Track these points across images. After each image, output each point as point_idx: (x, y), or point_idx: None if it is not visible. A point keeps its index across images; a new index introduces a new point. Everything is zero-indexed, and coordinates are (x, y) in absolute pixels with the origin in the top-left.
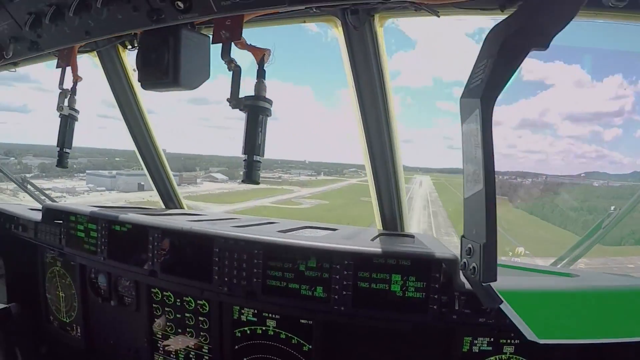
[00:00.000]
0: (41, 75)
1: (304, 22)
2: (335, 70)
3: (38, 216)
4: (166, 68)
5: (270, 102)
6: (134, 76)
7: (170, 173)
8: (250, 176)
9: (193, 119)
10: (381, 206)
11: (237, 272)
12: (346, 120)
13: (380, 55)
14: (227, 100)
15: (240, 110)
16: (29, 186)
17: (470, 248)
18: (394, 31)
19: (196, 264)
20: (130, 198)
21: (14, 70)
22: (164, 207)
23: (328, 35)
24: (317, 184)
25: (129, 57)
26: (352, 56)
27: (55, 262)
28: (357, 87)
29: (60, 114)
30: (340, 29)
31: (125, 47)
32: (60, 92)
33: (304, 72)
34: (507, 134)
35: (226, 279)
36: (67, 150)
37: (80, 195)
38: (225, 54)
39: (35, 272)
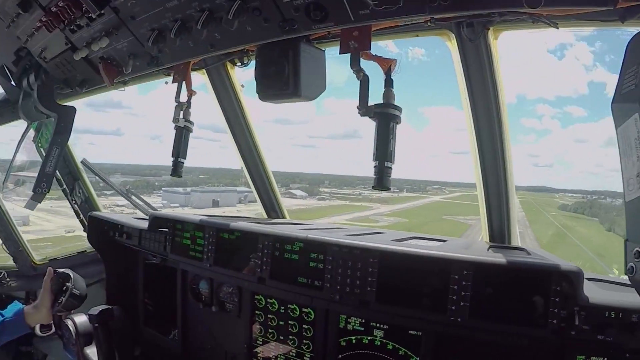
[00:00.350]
0: (133, 101)
1: (417, 35)
2: (418, 89)
3: (142, 224)
4: (287, 80)
5: (400, 109)
6: (241, 92)
7: (275, 184)
8: (382, 182)
9: (278, 138)
10: (490, 219)
11: (350, 280)
12: (431, 137)
13: (494, 69)
14: (357, 108)
15: (369, 117)
16: (133, 197)
17: (638, 251)
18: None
19: (307, 272)
20: (202, 214)
21: (123, 89)
22: (266, 217)
23: (409, 56)
24: (398, 200)
25: (238, 74)
26: (466, 70)
27: (157, 267)
28: (471, 101)
29: (176, 126)
30: (454, 42)
31: (234, 64)
32: (177, 105)
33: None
34: (594, 152)
35: (338, 287)
36: (182, 160)
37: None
38: (355, 63)
39: (135, 277)
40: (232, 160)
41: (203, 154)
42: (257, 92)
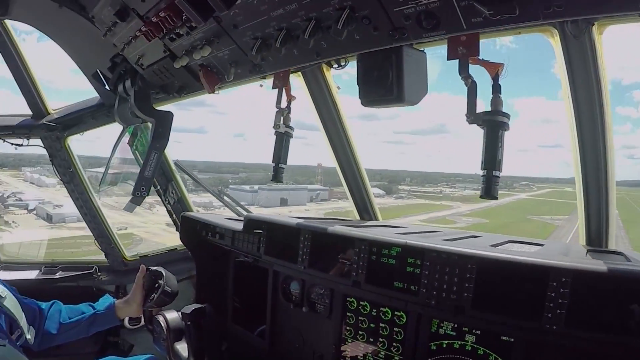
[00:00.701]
0: (216, 100)
1: (519, 33)
2: (508, 79)
3: (235, 225)
4: (390, 85)
5: (508, 116)
6: (337, 94)
7: (369, 185)
8: (489, 191)
9: (363, 134)
10: (588, 221)
11: (446, 286)
12: (521, 130)
13: (598, 66)
14: (465, 115)
15: (478, 125)
16: (225, 198)
17: None
18: None
19: (403, 277)
20: (269, 213)
21: (217, 92)
22: (358, 218)
23: (497, 44)
24: (480, 199)
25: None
26: (569, 67)
27: (248, 267)
28: (574, 98)
29: (276, 132)
30: (557, 38)
31: (330, 66)
32: (277, 111)
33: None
34: None
35: (434, 293)
36: (283, 166)
37: (215, 209)
38: (463, 69)
39: (225, 276)
40: (312, 157)
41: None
42: (360, 97)
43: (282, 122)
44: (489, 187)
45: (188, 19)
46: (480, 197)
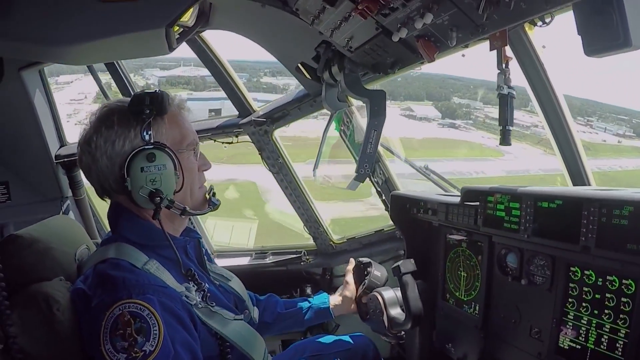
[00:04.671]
0: None
1: None
2: None
3: (447, 200)
4: (616, 29)
5: None
6: (543, 54)
7: (582, 147)
8: None
9: None
10: None
11: None
12: None
13: None
14: None
15: None
16: (431, 175)
17: None
18: None
19: (636, 238)
20: None
21: (419, 69)
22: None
23: None
24: (605, 151)
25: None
26: None
27: (460, 243)
28: None
29: (500, 94)
30: None
31: (534, 24)
32: (499, 73)
33: None
34: None
35: None
36: (509, 128)
37: None
38: None
39: (435, 253)
40: None
41: None
42: (583, 47)
43: (504, 82)
44: None
45: None
46: None
